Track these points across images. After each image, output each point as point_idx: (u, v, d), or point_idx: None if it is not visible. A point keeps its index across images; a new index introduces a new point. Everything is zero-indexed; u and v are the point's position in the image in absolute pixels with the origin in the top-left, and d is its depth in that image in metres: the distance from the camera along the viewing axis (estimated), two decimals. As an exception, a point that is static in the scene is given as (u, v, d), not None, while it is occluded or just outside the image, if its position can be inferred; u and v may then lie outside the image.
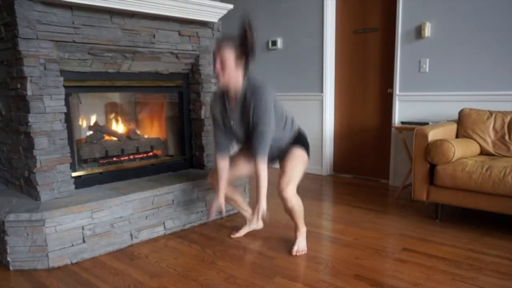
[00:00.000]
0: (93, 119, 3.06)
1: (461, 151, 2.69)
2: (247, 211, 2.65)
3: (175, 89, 3.12)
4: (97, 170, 2.75)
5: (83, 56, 2.50)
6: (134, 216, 2.52)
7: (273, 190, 2.34)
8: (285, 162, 2.26)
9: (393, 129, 3.74)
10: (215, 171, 2.41)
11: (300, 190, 2.30)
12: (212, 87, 3.16)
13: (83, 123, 3.00)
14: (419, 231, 2.65)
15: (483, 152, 2.93)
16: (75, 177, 2.58)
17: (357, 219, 2.92)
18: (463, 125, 3.02)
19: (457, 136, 3.05)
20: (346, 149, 4.32)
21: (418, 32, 3.51)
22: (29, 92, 2.24)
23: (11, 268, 2.19)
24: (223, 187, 2.32)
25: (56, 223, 2.19)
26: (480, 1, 3.17)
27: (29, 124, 2.27)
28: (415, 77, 3.59)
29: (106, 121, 3.17)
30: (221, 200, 2.32)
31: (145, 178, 2.92)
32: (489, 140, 2.92)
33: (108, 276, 2.11)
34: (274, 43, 4.57)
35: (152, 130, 3.34)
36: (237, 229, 2.64)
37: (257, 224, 2.68)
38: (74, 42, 2.39)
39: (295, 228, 2.37)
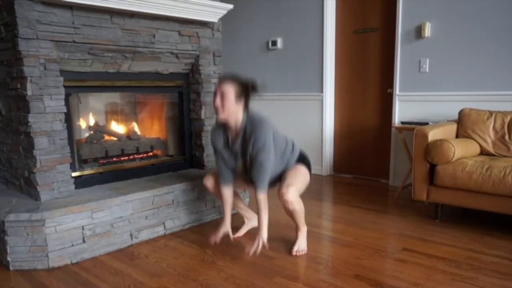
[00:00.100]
0: (93, 119, 3.06)
1: (461, 151, 2.69)
2: (245, 210, 2.66)
3: (175, 89, 3.12)
4: (97, 170, 2.75)
5: (83, 56, 2.50)
6: (134, 216, 2.52)
7: (273, 191, 2.34)
8: (286, 173, 2.27)
9: (393, 129, 3.74)
10: (210, 175, 2.46)
11: (300, 190, 2.30)
12: (212, 87, 3.16)
13: (83, 123, 3.00)
14: (419, 231, 2.65)
15: (483, 152, 2.93)
16: (75, 177, 2.58)
17: (357, 219, 2.92)
18: (463, 125, 3.02)
19: (457, 136, 3.05)
20: (346, 149, 4.32)
21: (418, 32, 3.51)
22: (29, 92, 2.24)
23: (11, 268, 2.19)
24: (228, 214, 2.39)
25: (56, 223, 2.19)
26: (480, 1, 3.17)
27: (29, 124, 2.27)
28: (415, 77, 3.59)
29: (106, 121, 3.17)
30: (227, 226, 2.38)
31: (145, 178, 2.92)
32: (489, 140, 2.92)
33: (108, 276, 2.11)
34: (274, 43, 4.57)
35: (152, 130, 3.34)
36: (237, 229, 2.64)
37: (256, 222, 2.68)
38: (74, 42, 2.39)
39: (296, 228, 2.37)
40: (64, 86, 2.40)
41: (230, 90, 2.10)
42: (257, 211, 2.19)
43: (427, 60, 3.50)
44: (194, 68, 3.11)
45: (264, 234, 2.17)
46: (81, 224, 2.29)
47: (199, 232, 2.72)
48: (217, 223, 2.88)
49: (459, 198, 2.64)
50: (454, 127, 3.05)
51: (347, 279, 2.02)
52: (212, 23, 3.08)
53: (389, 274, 2.06)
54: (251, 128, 2.12)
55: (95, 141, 2.92)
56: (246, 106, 2.17)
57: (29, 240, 2.16)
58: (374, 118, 4.06)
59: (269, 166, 2.14)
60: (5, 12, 2.24)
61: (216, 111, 2.13)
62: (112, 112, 3.18)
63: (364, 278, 2.02)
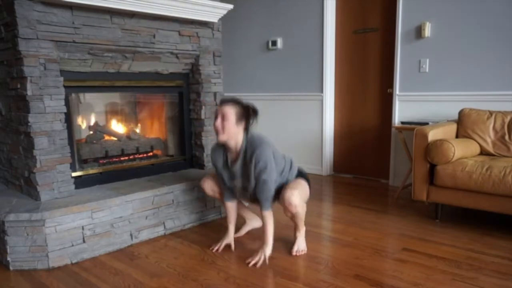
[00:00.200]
0: (93, 119, 3.06)
1: (461, 151, 2.69)
2: (246, 211, 2.66)
3: (175, 89, 3.12)
4: (97, 170, 2.75)
5: (83, 56, 2.50)
6: (134, 216, 2.52)
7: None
8: (287, 184, 2.27)
9: (393, 129, 3.74)
10: (207, 178, 2.48)
11: (300, 190, 2.30)
12: (212, 87, 3.16)
13: (83, 123, 3.00)
14: (419, 231, 2.65)
15: (483, 152, 2.93)
16: (75, 177, 2.58)
17: (357, 219, 2.92)
18: (463, 125, 3.02)
19: (457, 136, 3.05)
20: (346, 149, 4.32)
21: (418, 32, 3.51)
22: (29, 92, 2.24)
23: (11, 268, 2.19)
24: (232, 226, 2.45)
25: (56, 223, 2.19)
26: (480, 1, 3.17)
27: (29, 124, 2.27)
28: (415, 77, 3.59)
29: (106, 121, 3.17)
30: (231, 238, 2.43)
31: (145, 178, 2.92)
32: (489, 140, 2.92)
33: (108, 276, 2.11)
34: (274, 43, 4.57)
35: (152, 130, 3.34)
36: (237, 229, 2.64)
37: (256, 223, 2.69)
38: (74, 42, 2.39)
39: (295, 228, 2.37)
40: (64, 86, 2.40)
41: (231, 112, 2.11)
42: (263, 228, 2.22)
43: (427, 60, 3.50)
44: (194, 68, 3.11)
45: (268, 250, 2.21)
46: (81, 224, 2.29)
47: (199, 232, 2.72)
48: (217, 223, 2.88)
49: (459, 198, 2.64)
50: (454, 127, 3.05)
51: (347, 279, 2.02)
52: (212, 23, 3.08)
53: (389, 274, 2.06)
54: (252, 149, 2.13)
55: (95, 141, 2.93)
56: (246, 129, 2.19)
57: (29, 240, 2.16)
58: (374, 118, 4.06)
59: (272, 184, 2.17)
60: (5, 12, 2.24)
61: (216, 132, 2.15)
62: (112, 112, 3.19)
63: (364, 278, 2.02)
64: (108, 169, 2.80)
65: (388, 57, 3.83)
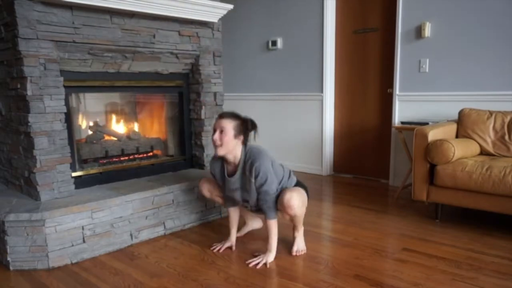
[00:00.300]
0: (93, 119, 3.06)
1: (461, 151, 2.69)
2: (246, 212, 2.65)
3: (175, 89, 3.12)
4: (97, 170, 2.75)
5: (83, 56, 2.50)
6: (134, 216, 2.52)
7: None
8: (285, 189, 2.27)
9: (393, 129, 3.74)
10: (205, 180, 2.48)
11: (300, 190, 2.30)
12: (212, 87, 3.16)
13: (83, 123, 3.00)
14: (419, 231, 2.65)
15: (483, 152, 2.93)
16: (75, 177, 2.58)
17: (357, 219, 2.92)
18: (463, 125, 3.02)
19: (457, 136, 3.05)
20: (346, 149, 4.32)
21: (418, 32, 3.51)
22: (29, 92, 2.24)
23: (11, 268, 2.19)
24: (234, 231, 2.46)
25: (56, 223, 2.19)
26: (480, 1, 3.17)
27: (29, 124, 2.27)
28: (415, 77, 3.59)
29: (106, 121, 3.17)
30: (233, 241, 2.44)
31: (145, 178, 2.92)
32: (489, 140, 2.92)
33: (108, 276, 2.11)
34: (274, 43, 4.57)
35: (152, 130, 3.34)
36: (238, 229, 2.64)
37: (256, 224, 2.69)
38: (74, 42, 2.39)
39: (293, 228, 2.37)
40: (64, 86, 2.40)
41: (230, 126, 2.11)
42: (268, 235, 2.23)
43: (427, 60, 3.50)
44: (194, 68, 3.11)
45: (270, 258, 2.22)
46: (81, 224, 2.29)
47: (199, 232, 2.72)
48: (217, 223, 2.88)
49: (459, 198, 2.64)
50: (454, 127, 3.05)
51: (347, 279, 2.02)
52: (212, 23, 3.08)
53: (389, 274, 2.06)
54: (251, 162, 2.13)
55: (95, 141, 2.93)
56: (244, 142, 2.19)
57: (29, 240, 2.16)
58: (374, 118, 4.06)
59: (274, 194, 2.17)
60: (5, 12, 2.24)
61: (214, 146, 2.15)
62: (112, 112, 3.19)
63: (364, 278, 2.02)
64: (108, 169, 2.80)
65: (388, 57, 3.83)
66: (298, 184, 2.35)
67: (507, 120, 2.88)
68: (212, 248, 2.41)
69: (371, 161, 4.13)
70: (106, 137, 3.06)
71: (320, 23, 4.19)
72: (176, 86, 3.11)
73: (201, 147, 3.20)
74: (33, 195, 2.41)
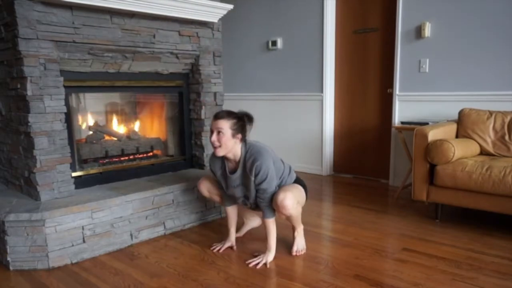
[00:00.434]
0: (93, 119, 3.06)
1: (461, 151, 2.69)
2: (245, 211, 2.66)
3: (175, 89, 3.12)
4: (97, 170, 2.75)
5: (83, 56, 2.50)
6: (134, 216, 2.52)
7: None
8: (282, 186, 2.25)
9: (393, 129, 3.74)
10: (204, 179, 2.47)
11: (300, 190, 2.30)
12: (212, 87, 3.16)
13: (83, 123, 3.00)
14: (419, 231, 2.65)
15: (483, 152, 2.93)
16: (75, 177, 2.58)
17: (357, 219, 2.92)
18: (463, 125, 3.02)
19: (457, 136, 3.05)
20: (346, 149, 4.32)
21: (418, 32, 3.51)
22: (29, 92, 2.24)
23: (11, 268, 2.19)
24: (233, 230, 2.46)
25: (56, 223, 2.19)
26: (480, 1, 3.17)
27: (29, 124, 2.27)
28: (415, 77, 3.59)
29: (106, 121, 3.17)
30: (232, 240, 2.45)
31: (145, 178, 2.92)
32: (489, 140, 2.91)
33: (108, 276, 2.11)
34: (274, 43, 4.57)
35: (152, 130, 3.34)
36: (237, 229, 2.64)
37: (255, 222, 2.70)
38: (74, 42, 2.39)
39: (292, 228, 2.38)
40: (64, 86, 2.40)
41: (226, 126, 2.10)
42: (267, 235, 2.23)
43: (427, 60, 3.50)
44: (194, 68, 3.11)
45: (270, 257, 2.22)
46: (81, 224, 2.29)
47: (199, 232, 2.72)
48: (217, 223, 2.88)
49: (459, 198, 2.64)
50: (454, 127, 3.05)
51: (347, 279, 2.02)
52: (212, 23, 3.08)
53: (389, 274, 2.06)
54: (252, 160, 2.12)
55: (95, 141, 2.92)
56: (243, 139, 2.18)
57: (29, 240, 2.16)
58: (374, 118, 4.06)
59: (273, 192, 2.16)
60: (5, 12, 2.24)
61: (213, 147, 2.15)
62: (112, 112, 3.19)
63: (364, 278, 2.02)
64: (108, 169, 2.80)
65: (388, 57, 3.83)
66: (297, 180, 2.35)
67: (507, 120, 2.88)
68: (212, 248, 2.41)
69: (371, 161, 4.13)
70: (106, 137, 3.06)
71: (320, 23, 4.19)
72: (176, 86, 3.11)
73: (201, 147, 3.20)
74: (33, 195, 2.41)
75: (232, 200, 2.41)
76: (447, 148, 2.62)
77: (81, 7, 2.37)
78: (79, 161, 2.72)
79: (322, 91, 4.27)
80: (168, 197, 2.68)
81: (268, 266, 2.18)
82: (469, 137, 2.98)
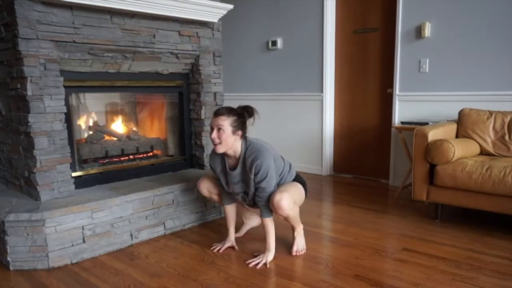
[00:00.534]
0: (93, 119, 3.06)
1: (461, 151, 2.69)
2: (244, 211, 2.66)
3: (175, 89, 3.12)
4: (97, 170, 2.75)
5: (83, 56, 2.50)
6: (134, 216, 2.52)
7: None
8: (280, 185, 2.24)
9: (393, 129, 3.74)
10: (204, 179, 2.47)
11: (300, 190, 2.30)
12: (212, 87, 3.16)
13: (83, 123, 3.00)
14: (419, 231, 2.65)
15: (483, 152, 2.93)
16: (75, 177, 2.58)
17: (357, 219, 2.92)
18: (463, 125, 3.02)
19: (457, 136, 3.05)
20: (346, 149, 4.32)
21: (418, 32, 3.51)
22: (29, 92, 2.24)
23: (11, 268, 2.19)
24: (232, 229, 2.46)
25: (56, 223, 2.19)
26: (480, 1, 3.17)
27: (29, 124, 2.27)
28: (415, 77, 3.59)
29: (106, 121, 3.17)
30: (232, 240, 2.45)
31: (145, 178, 2.92)
32: (489, 140, 2.92)
33: (108, 276, 2.11)
34: (274, 43, 4.57)
35: (152, 130, 3.34)
36: (237, 229, 2.64)
37: (254, 222, 2.70)
38: (74, 42, 2.39)
39: (292, 228, 2.38)
40: (64, 86, 2.40)
41: (226, 123, 2.10)
42: (265, 234, 2.22)
43: (427, 60, 3.50)
44: (194, 68, 3.11)
45: (270, 257, 2.22)
46: (81, 224, 2.29)
47: (199, 232, 2.72)
48: (217, 223, 2.88)
49: (459, 198, 2.64)
50: (454, 127, 3.05)
51: (347, 279, 2.02)
52: (212, 23, 3.08)
53: (389, 274, 2.06)
54: (252, 158, 2.12)
55: (95, 141, 2.92)
56: (243, 136, 2.18)
57: (29, 240, 2.16)
58: (374, 118, 4.06)
59: (272, 191, 2.15)
60: (5, 12, 2.24)
61: (213, 144, 2.15)
62: (112, 112, 3.19)
63: (364, 278, 2.02)
64: (108, 169, 2.80)
65: (388, 57, 3.83)
66: (297, 178, 2.35)
67: (507, 120, 2.88)
68: (212, 248, 2.41)
69: (371, 161, 4.13)
70: (106, 137, 3.06)
71: (320, 23, 4.19)
72: (176, 86, 3.11)
73: (201, 147, 3.20)
74: (33, 195, 2.41)
75: (231, 198, 2.41)
76: (447, 148, 2.62)
77: (81, 7, 2.37)
78: (79, 161, 2.72)
79: (322, 91, 4.27)
80: (168, 197, 2.68)
81: (268, 266, 2.18)
82: (469, 137, 2.98)
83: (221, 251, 2.38)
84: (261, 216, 2.21)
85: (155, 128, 3.34)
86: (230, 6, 3.03)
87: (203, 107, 3.13)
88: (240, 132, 2.15)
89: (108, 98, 3.13)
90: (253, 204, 2.33)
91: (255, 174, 2.12)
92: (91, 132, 2.99)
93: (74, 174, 2.57)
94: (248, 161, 2.14)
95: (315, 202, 3.37)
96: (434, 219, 2.86)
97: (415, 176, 2.81)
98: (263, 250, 2.28)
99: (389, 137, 3.87)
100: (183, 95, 3.16)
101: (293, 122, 4.57)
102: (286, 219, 2.23)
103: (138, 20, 2.67)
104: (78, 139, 2.84)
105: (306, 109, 4.44)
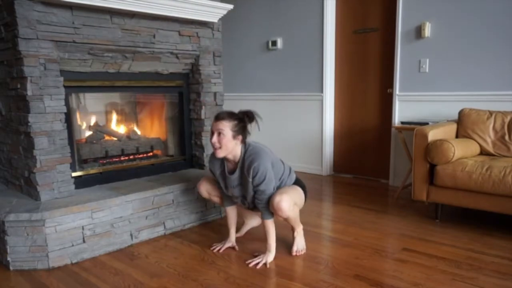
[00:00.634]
0: (93, 119, 3.06)
1: (461, 151, 2.69)
2: (244, 211, 2.66)
3: (175, 89, 3.12)
4: (97, 170, 2.75)
5: (83, 56, 2.50)
6: (134, 216, 2.52)
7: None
8: (280, 188, 2.25)
9: (393, 129, 3.74)
10: (203, 181, 2.48)
11: (300, 190, 2.30)
12: (212, 87, 3.16)
13: (83, 123, 3.00)
14: (419, 231, 2.65)
15: (483, 152, 2.93)
16: (75, 177, 2.58)
17: (357, 219, 2.92)
18: (463, 125, 3.02)
19: (457, 136, 3.05)
20: (346, 149, 4.32)
21: (418, 32, 3.51)
22: (29, 92, 2.24)
23: (11, 268, 2.19)
24: (233, 230, 2.47)
25: (56, 223, 2.19)
26: (480, 1, 3.17)
27: (29, 124, 2.27)
28: (415, 77, 3.59)
29: (106, 121, 3.17)
30: (233, 241, 2.45)
31: (145, 178, 2.92)
32: (489, 140, 2.91)
33: (108, 276, 2.11)
34: (274, 43, 4.57)
35: (152, 130, 3.34)
36: (237, 229, 2.64)
37: (255, 222, 2.70)
38: (74, 42, 2.39)
39: (292, 229, 2.38)
40: (64, 86, 2.40)
41: (227, 128, 2.10)
42: (266, 235, 2.23)
43: (427, 60, 3.50)
44: (194, 68, 3.11)
45: (270, 258, 2.22)
46: (81, 224, 2.29)
47: (199, 232, 2.72)
48: (217, 223, 2.88)
49: (459, 198, 2.64)
50: (454, 127, 3.05)
51: (347, 279, 2.02)
52: (212, 23, 3.08)
53: (389, 274, 2.06)
54: (250, 161, 2.12)
55: (95, 141, 2.93)
56: (244, 140, 2.18)
57: (29, 240, 2.16)
58: (374, 118, 4.06)
59: (271, 193, 2.15)
60: (5, 12, 2.24)
61: (214, 149, 2.15)
62: (112, 112, 3.19)
63: (364, 278, 2.02)
64: (108, 169, 2.80)
65: (388, 57, 3.83)
66: (297, 182, 2.35)
67: (507, 120, 2.88)
68: (212, 248, 2.41)
69: (371, 161, 4.13)
70: (106, 137, 3.06)
71: (320, 23, 4.19)
72: (176, 86, 3.10)
73: (201, 147, 3.20)
74: (33, 195, 2.41)
75: (232, 200, 2.41)
76: (447, 148, 2.62)
77: (81, 7, 2.37)
78: (79, 161, 2.72)
79: (322, 91, 4.27)
80: (168, 197, 2.68)
81: (268, 266, 2.18)
82: (469, 137, 2.98)
83: (221, 251, 2.38)
84: (262, 218, 2.21)
85: (155, 128, 3.34)
86: (230, 6, 3.03)
87: (203, 107, 3.13)
88: (240, 137, 2.14)
89: (108, 98, 3.13)
90: (253, 207, 2.33)
91: (253, 177, 2.12)
92: (91, 132, 2.99)
93: (74, 174, 2.57)
94: (246, 164, 2.14)
95: (315, 202, 3.37)
96: (434, 219, 2.86)
97: (415, 176, 2.81)
98: (263, 250, 2.28)
99: (389, 137, 3.87)
100: (183, 95, 3.16)
101: (293, 122, 4.57)
102: (286, 220, 2.23)
103: (138, 20, 2.67)
104: (78, 139, 2.84)
105: (306, 109, 4.44)
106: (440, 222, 2.81)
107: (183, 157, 3.24)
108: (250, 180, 2.14)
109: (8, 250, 2.17)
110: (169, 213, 2.69)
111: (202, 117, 3.14)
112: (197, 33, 3.02)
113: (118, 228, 2.44)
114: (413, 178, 2.83)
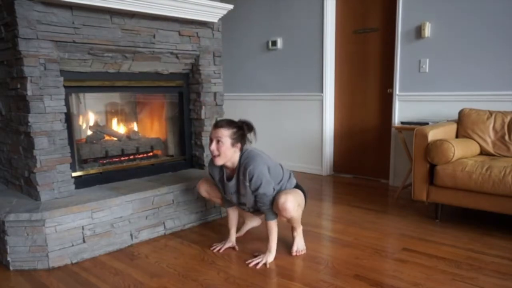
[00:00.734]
0: (93, 119, 3.06)
1: (461, 151, 2.69)
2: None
3: (175, 89, 3.12)
4: (97, 170, 2.75)
5: (83, 56, 2.50)
6: (134, 216, 2.52)
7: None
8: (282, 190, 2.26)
9: (393, 129, 3.74)
10: (203, 181, 2.48)
11: (300, 190, 2.30)
12: (212, 87, 3.16)
13: (83, 123, 3.00)
14: (419, 231, 2.65)
15: (483, 152, 2.93)
16: (75, 177, 2.58)
17: (357, 219, 2.92)
18: (463, 125, 3.02)
19: (457, 136, 3.05)
20: (346, 149, 4.32)
21: (418, 32, 3.51)
22: (29, 92, 2.24)
23: (11, 268, 2.19)
24: (234, 231, 2.47)
25: (56, 223, 2.19)
26: (480, 1, 3.17)
27: (29, 124, 2.27)
28: (415, 77, 3.59)
29: (106, 121, 3.17)
30: (233, 241, 2.45)
31: (145, 178, 2.92)
32: (489, 140, 2.91)
33: (108, 276, 2.11)
34: (274, 43, 4.57)
35: (152, 130, 3.34)
36: (237, 229, 2.64)
37: (255, 222, 2.70)
38: (74, 42, 2.39)
39: (292, 229, 2.38)
40: (64, 86, 2.40)
41: (226, 136, 2.11)
42: (268, 236, 2.23)
43: (427, 60, 3.50)
44: (194, 68, 3.11)
45: (270, 258, 2.22)
46: (81, 224, 2.29)
47: (199, 232, 2.72)
48: (217, 223, 2.88)
49: (459, 198, 2.64)
50: (454, 127, 3.05)
51: (347, 279, 2.02)
52: (212, 23, 3.08)
53: (389, 274, 2.06)
54: (244, 166, 2.13)
55: (95, 141, 2.92)
56: (242, 148, 2.19)
57: (29, 240, 2.16)
58: (374, 118, 4.06)
59: (272, 195, 2.16)
60: (5, 12, 2.24)
61: (212, 156, 2.16)
62: (112, 112, 3.19)
63: (364, 278, 2.02)
64: (108, 169, 2.80)
65: (388, 57, 3.83)
66: (297, 186, 2.35)
67: (507, 120, 2.88)
68: (212, 248, 2.41)
69: (371, 161, 4.13)
70: (106, 137, 3.06)
71: (320, 23, 4.19)
72: (176, 86, 3.11)
73: (201, 147, 3.20)
74: (33, 195, 2.41)
75: (232, 202, 2.41)
76: (447, 148, 2.62)
77: (81, 7, 2.37)
78: (79, 161, 2.72)
79: (322, 91, 4.27)
80: (168, 197, 2.68)
81: (268, 266, 2.18)
82: (469, 137, 2.98)
83: (221, 251, 2.38)
84: (266, 219, 2.22)
85: (155, 128, 3.34)
86: (230, 6, 3.03)
87: (203, 107, 3.13)
88: (239, 145, 2.16)
89: (108, 98, 3.13)
90: (254, 211, 2.34)
91: (250, 180, 2.13)
92: (91, 132, 2.99)
93: (74, 174, 2.58)
94: (241, 167, 2.15)
95: (315, 202, 3.37)
96: (434, 219, 2.86)
97: (415, 176, 2.81)
98: (263, 250, 2.28)
99: (389, 137, 3.87)
100: (183, 95, 3.16)
101: (293, 122, 4.57)
102: (289, 220, 2.23)
103: (138, 20, 2.67)
104: (78, 139, 2.84)
105: (306, 109, 4.44)
106: (440, 222, 2.81)
107: (183, 157, 3.24)
108: (248, 184, 2.14)
109: (8, 250, 2.17)
110: (169, 213, 2.69)
111: (202, 117, 3.14)
112: (197, 33, 3.02)
113: (118, 228, 2.44)
114: (413, 178, 2.83)
